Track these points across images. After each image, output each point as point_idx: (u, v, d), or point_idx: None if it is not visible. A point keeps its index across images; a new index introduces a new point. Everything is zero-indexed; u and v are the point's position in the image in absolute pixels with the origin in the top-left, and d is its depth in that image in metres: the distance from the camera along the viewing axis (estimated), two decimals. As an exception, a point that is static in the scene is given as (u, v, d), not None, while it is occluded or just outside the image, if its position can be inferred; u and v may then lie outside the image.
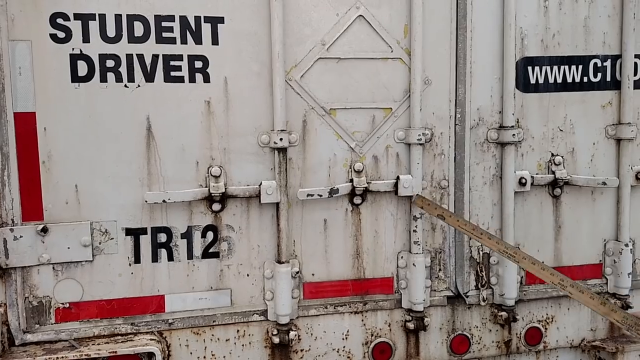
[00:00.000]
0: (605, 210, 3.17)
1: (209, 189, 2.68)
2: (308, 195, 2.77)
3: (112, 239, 2.67)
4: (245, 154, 2.75)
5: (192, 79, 2.67)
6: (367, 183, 2.88)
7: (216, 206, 2.74)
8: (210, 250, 2.77)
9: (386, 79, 2.89)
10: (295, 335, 2.83)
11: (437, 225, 3.02)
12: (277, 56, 2.68)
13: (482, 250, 3.05)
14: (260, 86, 2.73)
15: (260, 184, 2.73)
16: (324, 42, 2.78)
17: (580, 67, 3.08)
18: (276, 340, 2.81)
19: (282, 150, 2.74)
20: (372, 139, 2.91)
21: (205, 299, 2.78)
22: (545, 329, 3.19)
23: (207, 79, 2.68)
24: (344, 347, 2.96)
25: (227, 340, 2.83)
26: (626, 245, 3.14)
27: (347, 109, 2.86)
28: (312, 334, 2.92)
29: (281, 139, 2.71)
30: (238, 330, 2.84)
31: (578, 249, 3.16)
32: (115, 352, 2.59)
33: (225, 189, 2.70)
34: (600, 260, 3.21)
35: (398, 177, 2.90)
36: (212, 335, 2.81)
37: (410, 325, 2.97)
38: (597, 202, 3.16)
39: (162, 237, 2.71)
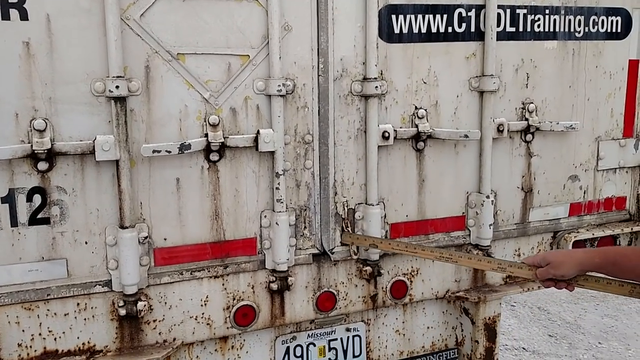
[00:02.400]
0: (468, 162, 3.19)
1: (31, 145, 2.31)
2: (154, 151, 2.49)
3: None
4: (76, 104, 2.39)
5: (6, 16, 2.25)
6: (225, 138, 2.64)
7: (42, 165, 2.38)
8: (39, 216, 2.42)
9: (241, 22, 2.63)
10: (145, 305, 2.59)
11: (301, 181, 2.87)
12: (109, -10, 2.33)
13: (347, 206, 2.96)
14: (92, 25, 2.37)
15: (95, 138, 2.41)
16: (166, -23, 2.46)
17: (445, 16, 3.00)
18: (123, 312, 2.56)
19: (120, 100, 2.42)
20: (229, 89, 2.66)
21: (36, 271, 2.45)
22: (411, 281, 3.20)
23: (24, 16, 2.27)
24: (202, 314, 2.77)
25: (65, 315, 2.53)
26: (487, 197, 3.18)
27: (197, 54, 2.58)
28: (166, 303, 2.69)
29: (118, 87, 2.39)
30: (78, 304, 2.54)
31: (442, 202, 3.16)
32: None
33: (52, 144, 2.35)
34: (463, 213, 3.24)
35: (258, 132, 2.70)
36: (48, 310, 2.50)
37: (274, 286, 2.84)
38: (460, 155, 3.16)
39: (-22, 202, 2.33)
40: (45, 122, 2.35)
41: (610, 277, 2.11)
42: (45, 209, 2.42)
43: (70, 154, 2.39)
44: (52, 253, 2.46)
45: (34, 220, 2.41)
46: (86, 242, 2.51)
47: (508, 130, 3.20)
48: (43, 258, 2.46)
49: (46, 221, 2.43)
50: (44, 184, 2.40)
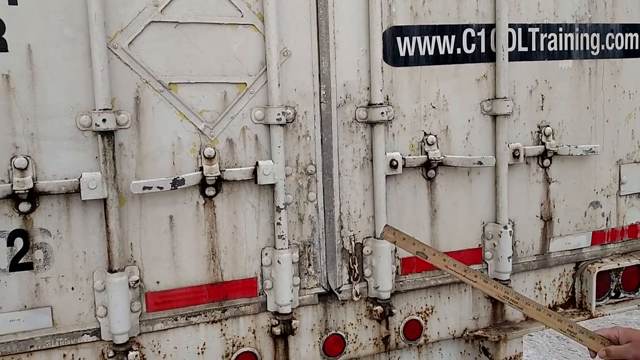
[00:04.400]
0: (482, 191, 2.98)
1: (12, 185, 2.14)
2: (145, 188, 2.31)
3: None
4: (60, 139, 2.23)
5: (-16, 47, 2.12)
6: (221, 171, 2.47)
7: (24, 206, 2.21)
8: (21, 261, 2.23)
9: (237, 48, 2.48)
10: (137, 355, 2.37)
11: (305, 215, 2.68)
12: (94, 18, 2.18)
13: (354, 241, 2.75)
14: (77, 55, 2.22)
15: (81, 176, 2.23)
16: (156, 3, 2.32)
17: (453, 37, 2.84)
18: (112, 363, 2.35)
19: (108, 134, 2.26)
20: (225, 119, 2.50)
21: (18, 321, 2.25)
22: (425, 321, 2.97)
23: (3, 47, 2.13)
24: (200, 362, 2.56)
25: (51, 368, 2.33)
26: (505, 227, 2.97)
27: (191, 83, 2.42)
28: (159, 352, 2.48)
29: (105, 120, 2.22)
30: (65, 355, 2.34)
31: (456, 234, 2.95)
32: None
33: (35, 184, 2.18)
34: (480, 245, 3.03)
35: (257, 163, 2.52)
36: (31, 363, 2.30)
37: (277, 330, 2.62)
38: (474, 182, 2.96)
39: (-45, 248, 2.15)
40: (27, 160, 2.18)
41: None
42: (27, 253, 2.24)
43: (54, 193, 2.22)
44: (35, 301, 2.27)
45: (15, 266, 2.23)
46: (72, 288, 2.31)
47: (524, 156, 3.00)
48: (26, 307, 2.26)
49: (29, 266, 2.25)
50: (26, 226, 2.23)
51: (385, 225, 2.35)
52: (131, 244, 2.38)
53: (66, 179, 2.24)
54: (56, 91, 2.21)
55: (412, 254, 2.28)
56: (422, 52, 2.78)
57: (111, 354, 2.36)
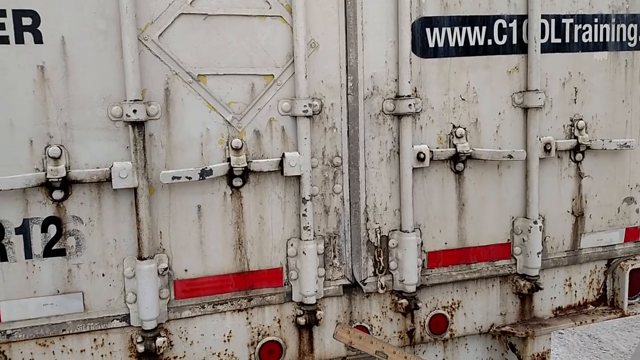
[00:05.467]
0: (512, 185, 2.94)
1: (46, 173, 2.21)
2: (174, 177, 2.35)
3: None
4: (92, 129, 2.28)
5: (20, 40, 2.18)
6: (248, 162, 2.49)
7: (57, 194, 2.27)
8: (54, 247, 2.31)
9: (265, 40, 2.49)
10: (165, 341, 2.43)
11: (330, 207, 2.68)
12: (125, 10, 2.22)
13: (380, 233, 2.75)
14: (109, 47, 2.27)
15: (112, 165, 2.29)
16: (186, -5, 2.35)
17: (484, 28, 2.79)
18: (141, 348, 2.40)
19: (139, 125, 2.30)
20: (253, 110, 2.52)
21: (51, 305, 2.33)
22: (451, 315, 2.94)
23: (39, 40, 2.20)
24: (226, 350, 2.60)
25: (82, 351, 2.40)
26: (535, 222, 2.92)
27: (219, 75, 2.44)
28: (187, 339, 2.53)
29: (135, 111, 2.27)
30: (95, 339, 2.41)
31: (484, 228, 2.91)
32: None
33: (68, 172, 2.24)
34: (509, 240, 2.98)
35: (284, 155, 2.54)
36: (63, 346, 2.37)
37: (302, 320, 2.64)
38: (504, 176, 2.91)
39: (-8, 234, 2.23)
40: (60, 149, 2.24)
41: None
42: (60, 239, 2.31)
43: (86, 182, 2.28)
44: (67, 286, 2.34)
45: (49, 252, 2.30)
46: (103, 275, 2.38)
47: (556, 150, 2.94)
48: (58, 291, 2.33)
49: (62, 252, 2.32)
50: (59, 213, 2.29)
51: (338, 324, 2.49)
52: (160, 233, 2.43)
53: (98, 168, 2.29)
54: (89, 82, 2.26)
55: (370, 354, 2.36)
56: (452, 44, 2.75)
57: (140, 339, 2.42)
